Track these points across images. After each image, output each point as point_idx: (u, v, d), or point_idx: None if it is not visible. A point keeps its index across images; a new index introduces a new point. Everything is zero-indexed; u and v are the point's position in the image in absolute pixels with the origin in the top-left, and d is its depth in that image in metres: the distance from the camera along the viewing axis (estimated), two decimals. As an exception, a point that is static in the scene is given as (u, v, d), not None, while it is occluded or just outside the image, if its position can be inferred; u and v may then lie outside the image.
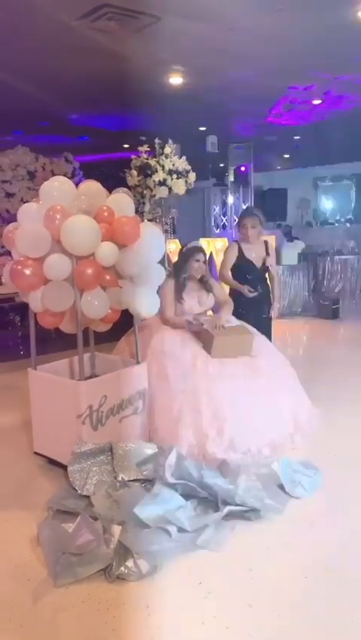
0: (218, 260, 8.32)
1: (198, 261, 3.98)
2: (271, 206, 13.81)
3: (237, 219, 10.70)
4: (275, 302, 4.75)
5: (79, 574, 2.43)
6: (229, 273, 4.59)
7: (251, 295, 4.44)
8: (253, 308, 4.49)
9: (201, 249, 4.05)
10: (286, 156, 13.81)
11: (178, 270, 4.01)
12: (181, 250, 4.15)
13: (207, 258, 4.16)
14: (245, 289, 4.48)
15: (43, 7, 4.41)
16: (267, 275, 4.68)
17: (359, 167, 14.66)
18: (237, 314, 4.24)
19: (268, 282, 4.74)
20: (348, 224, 14.41)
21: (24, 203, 3.40)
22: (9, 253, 3.54)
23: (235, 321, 3.96)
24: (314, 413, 4.13)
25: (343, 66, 6.16)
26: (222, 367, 3.69)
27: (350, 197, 15.35)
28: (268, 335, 4.56)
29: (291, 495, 3.07)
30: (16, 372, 5.68)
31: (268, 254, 4.61)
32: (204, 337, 3.79)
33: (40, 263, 3.11)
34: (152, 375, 3.70)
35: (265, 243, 4.69)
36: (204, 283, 4.08)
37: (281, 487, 3.10)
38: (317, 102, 7.87)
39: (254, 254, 4.56)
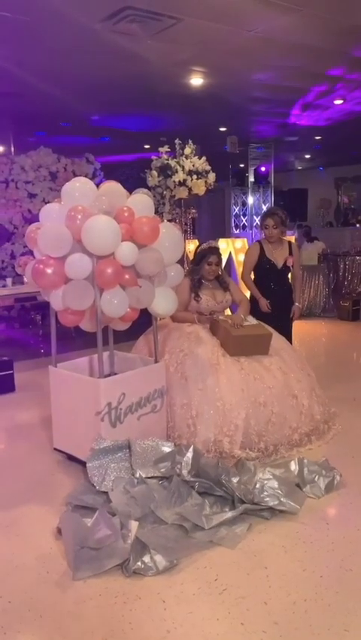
0: (238, 260, 8.32)
1: (210, 264, 4.04)
2: (291, 206, 13.75)
3: (257, 219, 10.68)
4: (296, 302, 4.74)
5: (97, 568, 2.47)
6: (250, 277, 4.60)
7: (265, 311, 4.42)
8: (274, 308, 4.50)
9: (215, 250, 4.09)
10: (307, 156, 13.73)
11: (193, 270, 4.11)
12: (196, 250, 4.22)
13: (221, 259, 4.20)
14: (263, 302, 4.46)
15: (65, 10, 4.48)
16: (289, 275, 4.68)
17: (381, 166, 14.53)
18: (257, 313, 4.26)
19: (291, 282, 4.74)
20: (370, 225, 14.26)
21: (46, 203, 3.46)
22: (31, 252, 3.60)
23: (253, 320, 3.98)
24: (331, 413, 4.13)
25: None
26: (240, 365, 3.71)
27: (372, 198, 15.21)
28: (289, 335, 4.56)
29: (307, 494, 3.08)
30: (37, 370, 5.77)
31: (290, 254, 4.60)
32: (222, 335, 3.81)
33: (62, 262, 3.17)
34: (169, 372, 3.74)
35: (289, 243, 4.70)
36: (220, 282, 4.15)
37: (298, 486, 3.11)
38: (338, 102, 7.82)
39: (276, 254, 4.57)
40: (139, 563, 2.48)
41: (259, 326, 3.94)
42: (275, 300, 4.53)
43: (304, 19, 4.75)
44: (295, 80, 6.70)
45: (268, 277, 4.57)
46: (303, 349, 6.14)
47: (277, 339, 3.99)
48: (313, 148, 12.35)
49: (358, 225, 14.20)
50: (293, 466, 3.21)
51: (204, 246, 4.14)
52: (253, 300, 4.57)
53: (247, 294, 4.66)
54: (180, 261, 3.71)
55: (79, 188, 3.25)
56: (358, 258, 11.40)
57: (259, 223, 11.09)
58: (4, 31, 4.94)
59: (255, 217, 11.32)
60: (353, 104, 7.95)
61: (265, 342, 3.85)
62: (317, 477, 3.16)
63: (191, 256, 7.69)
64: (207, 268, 4.05)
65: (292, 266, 4.61)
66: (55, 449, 3.74)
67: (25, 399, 5.05)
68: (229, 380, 3.63)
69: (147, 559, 2.50)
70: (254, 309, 4.42)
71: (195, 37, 5.16)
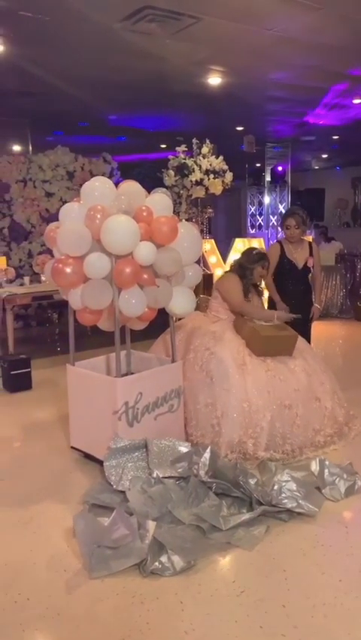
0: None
1: (264, 267, 4.04)
2: (308, 206, 13.64)
3: (273, 219, 10.62)
4: (316, 304, 4.71)
5: (113, 567, 2.47)
6: (270, 278, 4.56)
7: (285, 318, 4.37)
8: (294, 309, 4.48)
9: (267, 257, 4.10)
10: (324, 156, 13.63)
11: (244, 271, 4.01)
12: (250, 252, 4.13)
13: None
14: (282, 306, 4.39)
15: (85, 10, 4.49)
16: (310, 276, 4.64)
17: None
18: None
19: (310, 283, 4.70)
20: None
21: (63, 202, 3.47)
22: (49, 251, 3.62)
23: (276, 321, 3.95)
24: (351, 415, 4.09)
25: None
26: (266, 367, 3.69)
27: (390, 198, 15.06)
28: (308, 337, 4.54)
29: (326, 496, 3.05)
30: (54, 368, 5.80)
31: (311, 255, 4.57)
32: (247, 334, 3.78)
33: (81, 261, 3.17)
34: (194, 371, 3.73)
35: (309, 243, 4.66)
36: (256, 287, 4.16)
37: (317, 488, 3.08)
38: (357, 101, 7.75)
39: (296, 254, 4.54)
40: (156, 563, 2.48)
41: (284, 326, 3.91)
42: (295, 301, 4.49)
43: (324, 17, 4.71)
44: (314, 79, 6.65)
45: (289, 278, 4.54)
46: (320, 350, 6.09)
47: (300, 341, 3.96)
48: (331, 147, 12.25)
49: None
50: (314, 466, 3.19)
51: (257, 250, 4.13)
52: (271, 300, 4.56)
53: (266, 294, 4.63)
54: (197, 261, 3.70)
55: (98, 188, 3.26)
56: (375, 258, 11.31)
57: (275, 223, 11.06)
58: (25, 31, 4.97)
59: (271, 217, 11.27)
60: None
61: (291, 343, 3.83)
62: (337, 479, 3.13)
63: (207, 256, 7.68)
64: (261, 272, 4.04)
65: (313, 267, 4.57)
66: (72, 447, 3.74)
67: (42, 397, 5.07)
68: (255, 381, 3.60)
69: (164, 559, 2.50)
70: (273, 309, 4.42)
71: (213, 36, 5.14)
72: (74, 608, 2.28)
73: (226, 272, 4.34)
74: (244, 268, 4.03)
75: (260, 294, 4.21)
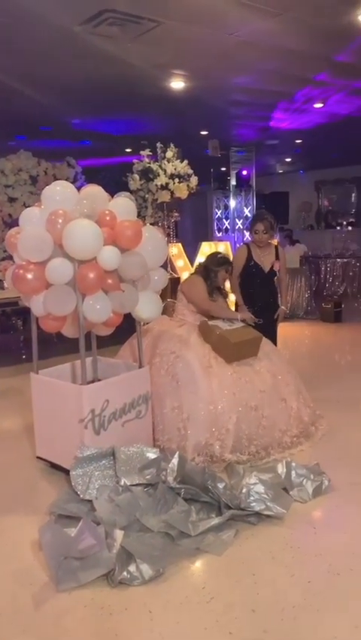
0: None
1: (227, 271, 4.14)
2: (272, 209, 13.78)
3: (239, 223, 10.70)
4: (282, 305, 4.75)
5: (81, 579, 2.42)
6: (237, 282, 4.59)
7: (247, 319, 4.35)
8: (259, 312, 4.50)
9: (230, 262, 4.21)
10: (288, 160, 13.80)
11: (209, 273, 4.09)
12: (215, 255, 4.24)
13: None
14: (244, 310, 4.37)
15: (45, 12, 4.42)
16: (275, 279, 4.68)
17: (361, 170, 14.67)
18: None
19: (277, 286, 4.74)
20: (350, 227, 14.41)
21: (26, 207, 3.40)
22: (11, 257, 3.54)
23: (237, 323, 3.98)
24: (317, 415, 4.13)
25: (343, 69, 6.16)
26: (232, 369, 3.71)
27: (352, 200, 15.34)
28: (274, 338, 4.58)
29: (294, 498, 3.06)
30: (18, 377, 5.69)
31: (277, 258, 4.61)
32: (215, 341, 3.77)
33: (43, 267, 3.12)
34: (160, 375, 3.72)
35: (276, 247, 4.71)
36: (221, 290, 4.24)
37: (285, 489, 3.09)
38: (318, 105, 7.87)
39: (263, 258, 4.58)
40: (125, 573, 2.44)
41: (248, 328, 3.95)
42: (261, 304, 4.52)
43: (284, 23, 4.75)
44: (276, 83, 6.71)
45: (254, 281, 4.57)
46: (286, 351, 6.14)
47: (265, 342, 4.00)
48: (294, 151, 12.41)
49: (338, 228, 14.33)
50: (281, 469, 3.20)
51: (222, 254, 4.25)
52: (242, 296, 4.59)
53: (233, 297, 4.65)
54: (164, 265, 3.68)
55: (60, 192, 3.21)
56: (339, 260, 11.55)
57: (241, 226, 11.14)
58: (-17, 34, 4.87)
59: (237, 220, 11.33)
60: (333, 108, 8.00)
61: (257, 344, 3.87)
62: (305, 480, 3.15)
63: (174, 260, 7.68)
64: (224, 276, 4.15)
65: (279, 270, 4.61)
66: (37, 457, 3.67)
67: (6, 406, 4.96)
68: (221, 383, 3.62)
69: (132, 568, 2.46)
70: (246, 305, 4.44)
71: (175, 40, 5.13)
72: (41, 623, 2.22)
73: (191, 274, 4.38)
74: (208, 270, 4.09)
75: (225, 295, 4.28)
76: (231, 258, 4.37)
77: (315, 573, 2.47)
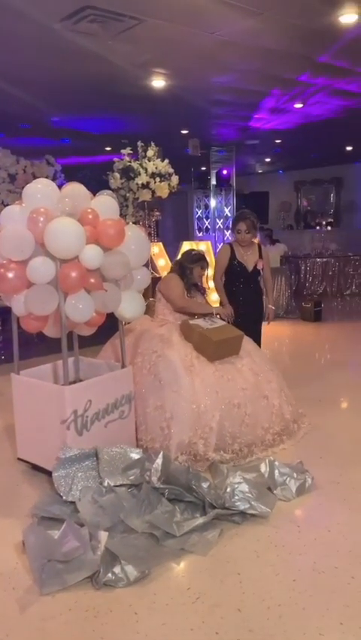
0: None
1: (203, 268, 4.14)
2: (252, 209, 13.82)
3: (219, 222, 10.71)
4: (270, 305, 4.76)
5: (65, 581, 2.39)
6: (221, 281, 4.59)
7: (226, 314, 4.31)
8: (244, 311, 4.51)
9: (205, 258, 4.20)
10: (268, 160, 13.88)
11: (184, 270, 4.10)
12: (190, 252, 4.26)
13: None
14: (227, 311, 4.31)
15: (25, 9, 4.36)
16: (259, 278, 4.68)
17: (340, 170, 14.83)
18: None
19: (260, 285, 4.75)
20: (329, 227, 14.56)
21: (5, 206, 3.36)
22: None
23: (219, 320, 3.99)
24: (300, 413, 4.15)
25: (324, 70, 6.21)
26: (214, 367, 3.71)
27: (330, 201, 15.50)
28: (258, 337, 4.59)
29: (278, 497, 3.07)
30: (-2, 377, 5.60)
31: (260, 257, 4.62)
32: (197, 340, 3.77)
33: (24, 266, 3.07)
34: (143, 374, 3.70)
35: (259, 246, 4.72)
36: (199, 287, 4.25)
37: (269, 489, 3.10)
38: (298, 106, 7.92)
39: (246, 257, 4.59)
40: (109, 575, 2.41)
41: (229, 327, 3.96)
42: (245, 303, 4.53)
43: (265, 22, 4.76)
44: (256, 83, 6.73)
45: (238, 280, 4.58)
46: (268, 350, 6.17)
47: (246, 341, 4.01)
48: (274, 151, 12.48)
49: (317, 228, 14.46)
50: (264, 468, 3.20)
51: (196, 251, 4.25)
52: (221, 304, 4.59)
53: (214, 295, 4.66)
54: (146, 264, 3.66)
55: (41, 190, 3.17)
56: (318, 260, 11.66)
57: (221, 226, 11.16)
58: None
59: (217, 220, 11.35)
60: (312, 108, 8.06)
61: (239, 342, 3.88)
62: (288, 479, 3.16)
63: (156, 259, 7.66)
64: (200, 272, 4.15)
65: (263, 269, 4.63)
66: (19, 459, 3.62)
67: (-14, 407, 4.88)
68: (203, 382, 3.61)
69: (117, 570, 2.44)
70: (232, 305, 4.45)
71: (156, 38, 5.11)
72: (25, 626, 2.19)
73: (167, 273, 4.37)
74: (183, 268, 4.12)
75: (203, 292, 4.28)
76: (210, 257, 4.37)
77: (300, 571, 2.48)
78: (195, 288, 4.21)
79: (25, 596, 2.36)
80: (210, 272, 4.45)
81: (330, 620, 2.17)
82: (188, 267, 4.10)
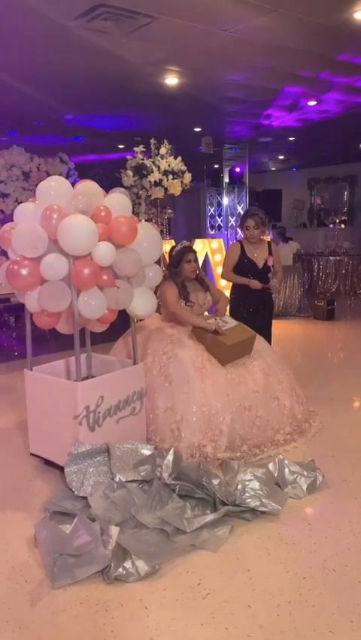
0: (214, 260, 8.32)
1: (189, 261, 3.93)
2: (265, 207, 13.80)
3: (232, 220, 10.69)
4: (275, 279, 4.65)
5: (77, 575, 2.42)
6: (232, 274, 4.59)
7: (258, 287, 4.34)
8: (254, 308, 4.50)
9: (189, 248, 3.99)
10: (281, 157, 13.83)
11: (175, 274, 3.95)
12: (171, 252, 4.08)
13: (197, 257, 4.13)
14: (253, 282, 4.42)
15: (39, 7, 4.39)
16: (270, 275, 4.65)
17: (353, 168, 14.73)
18: (238, 314, 4.26)
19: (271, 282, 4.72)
20: (342, 225, 14.47)
21: (19, 203, 3.38)
22: (5, 253, 3.52)
23: (230, 320, 3.93)
24: (311, 412, 4.14)
25: (338, 67, 6.17)
26: (224, 370, 3.68)
27: (344, 199, 15.40)
28: (269, 335, 4.58)
29: (289, 495, 3.07)
30: (11, 374, 5.66)
31: (270, 254, 4.61)
32: (209, 343, 3.72)
33: (37, 263, 3.10)
34: (153, 375, 3.68)
35: (268, 243, 4.71)
36: (201, 282, 4.06)
37: (278, 486, 3.10)
38: (312, 103, 7.88)
39: (256, 254, 4.58)
40: (120, 569, 2.43)
41: (241, 326, 3.89)
42: (255, 300, 4.53)
43: (279, 19, 4.75)
44: (270, 80, 6.71)
45: (248, 277, 4.56)
46: (280, 349, 6.16)
47: (258, 340, 3.98)
48: (287, 149, 12.43)
49: (331, 226, 14.39)
50: (272, 467, 3.19)
51: (178, 247, 4.02)
52: (237, 296, 4.59)
53: (227, 292, 4.64)
54: (158, 262, 3.67)
55: (55, 187, 3.19)
56: (331, 258, 11.60)
57: (234, 224, 11.13)
58: (-25, 28, 4.82)
59: (230, 218, 11.33)
60: (326, 106, 8.02)
61: (251, 343, 3.85)
62: (298, 477, 3.15)
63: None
64: (188, 266, 3.92)
65: (273, 265, 4.61)
66: (31, 454, 3.65)
67: (-1, 403, 4.94)
68: (214, 384, 3.58)
69: (128, 565, 2.46)
70: (235, 310, 4.44)
71: (170, 36, 5.12)
72: (36, 619, 2.22)
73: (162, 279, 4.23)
74: (173, 273, 3.96)
75: (206, 288, 4.07)
76: (206, 247, 4.23)
77: (310, 569, 2.48)
78: (198, 284, 4.03)
79: (37, 590, 2.39)
80: (216, 262, 4.30)
81: (340, 618, 2.17)
82: (175, 272, 3.93)
